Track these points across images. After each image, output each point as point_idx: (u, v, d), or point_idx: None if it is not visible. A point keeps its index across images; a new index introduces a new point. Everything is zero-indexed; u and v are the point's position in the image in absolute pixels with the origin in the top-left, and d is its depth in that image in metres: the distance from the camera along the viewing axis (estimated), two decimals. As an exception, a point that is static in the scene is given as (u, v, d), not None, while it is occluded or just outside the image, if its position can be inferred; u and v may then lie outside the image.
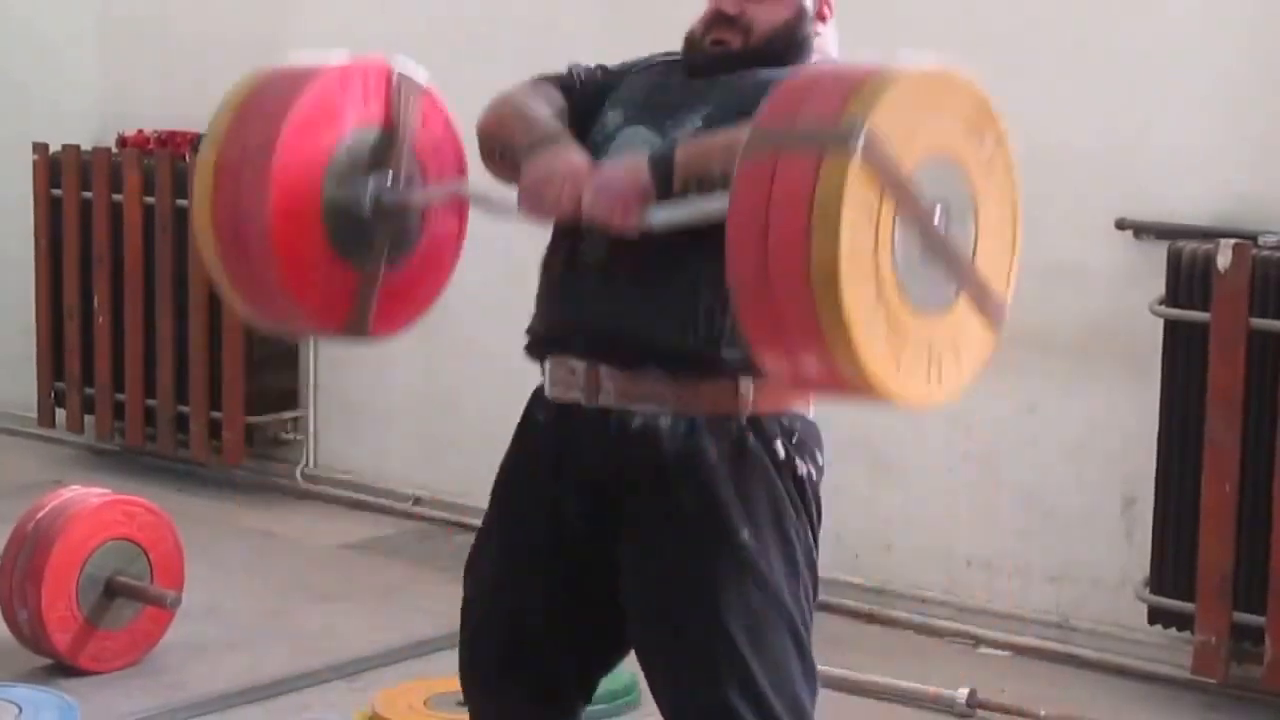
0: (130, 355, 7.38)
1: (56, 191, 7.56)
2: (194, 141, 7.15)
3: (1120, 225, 5.26)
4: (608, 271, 2.99)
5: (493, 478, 3.26)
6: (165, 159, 7.18)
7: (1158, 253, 5.11)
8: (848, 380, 2.56)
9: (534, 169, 2.96)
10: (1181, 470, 5.03)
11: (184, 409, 7.25)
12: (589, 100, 3.18)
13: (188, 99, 7.40)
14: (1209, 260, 4.91)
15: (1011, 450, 5.58)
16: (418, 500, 6.92)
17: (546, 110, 3.10)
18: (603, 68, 3.26)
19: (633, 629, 3.09)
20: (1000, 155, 2.70)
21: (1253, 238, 4.93)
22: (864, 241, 2.49)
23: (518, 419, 3.22)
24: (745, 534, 2.96)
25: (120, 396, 7.45)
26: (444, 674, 5.00)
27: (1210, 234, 5.02)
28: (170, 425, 7.30)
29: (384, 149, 3.11)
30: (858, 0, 5.77)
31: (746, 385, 2.96)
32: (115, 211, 7.36)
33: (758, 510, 2.98)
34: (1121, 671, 5.30)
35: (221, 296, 3.22)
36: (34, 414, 7.82)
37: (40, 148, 7.60)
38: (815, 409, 3.10)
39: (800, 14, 3.12)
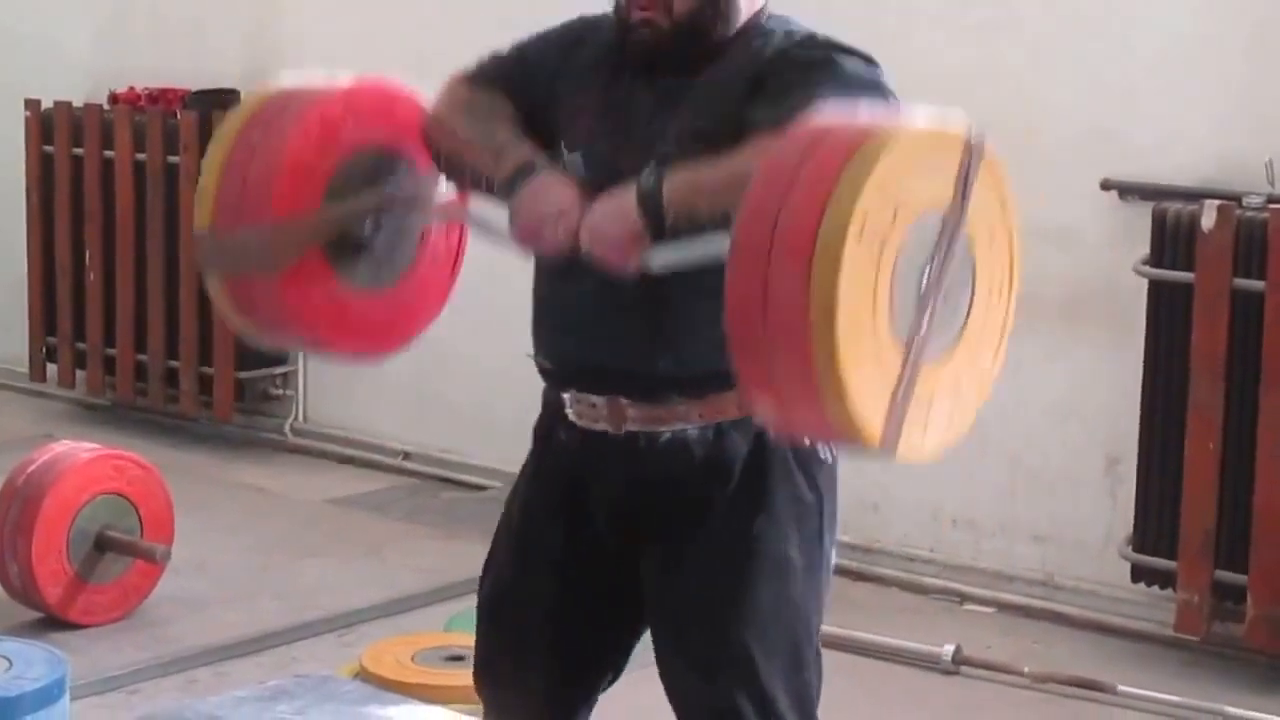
0: (121, 311, 7.40)
1: (48, 148, 7.56)
2: (185, 98, 7.15)
3: (1105, 186, 5.28)
4: (607, 304, 2.94)
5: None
6: (157, 116, 7.18)
7: (1142, 214, 5.13)
8: (836, 425, 2.53)
9: (524, 206, 2.89)
10: (1165, 430, 5.05)
11: (174, 364, 7.27)
12: (534, 101, 3.09)
13: (179, 56, 7.42)
14: (1193, 221, 4.93)
15: (996, 411, 5.53)
16: (407, 456, 6.92)
17: (508, 130, 3.04)
18: (526, 56, 3.16)
19: (652, 625, 3.13)
20: (997, 193, 2.65)
21: (1237, 199, 4.95)
22: (864, 284, 2.46)
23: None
24: (770, 535, 3.00)
25: (111, 352, 7.47)
26: (431, 629, 5.06)
27: (1195, 195, 5.03)
28: (161, 380, 7.32)
29: (385, 168, 3.13)
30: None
31: None
32: (107, 168, 7.37)
33: (781, 511, 3.02)
34: (1104, 629, 5.34)
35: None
36: (25, 369, 7.85)
37: (32, 104, 7.60)
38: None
39: None
